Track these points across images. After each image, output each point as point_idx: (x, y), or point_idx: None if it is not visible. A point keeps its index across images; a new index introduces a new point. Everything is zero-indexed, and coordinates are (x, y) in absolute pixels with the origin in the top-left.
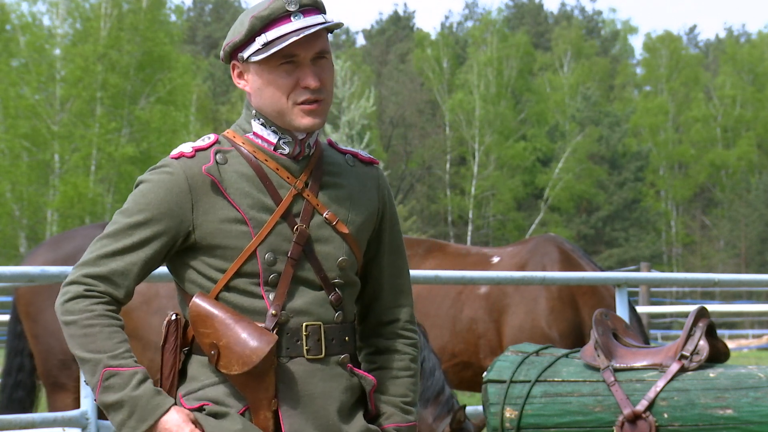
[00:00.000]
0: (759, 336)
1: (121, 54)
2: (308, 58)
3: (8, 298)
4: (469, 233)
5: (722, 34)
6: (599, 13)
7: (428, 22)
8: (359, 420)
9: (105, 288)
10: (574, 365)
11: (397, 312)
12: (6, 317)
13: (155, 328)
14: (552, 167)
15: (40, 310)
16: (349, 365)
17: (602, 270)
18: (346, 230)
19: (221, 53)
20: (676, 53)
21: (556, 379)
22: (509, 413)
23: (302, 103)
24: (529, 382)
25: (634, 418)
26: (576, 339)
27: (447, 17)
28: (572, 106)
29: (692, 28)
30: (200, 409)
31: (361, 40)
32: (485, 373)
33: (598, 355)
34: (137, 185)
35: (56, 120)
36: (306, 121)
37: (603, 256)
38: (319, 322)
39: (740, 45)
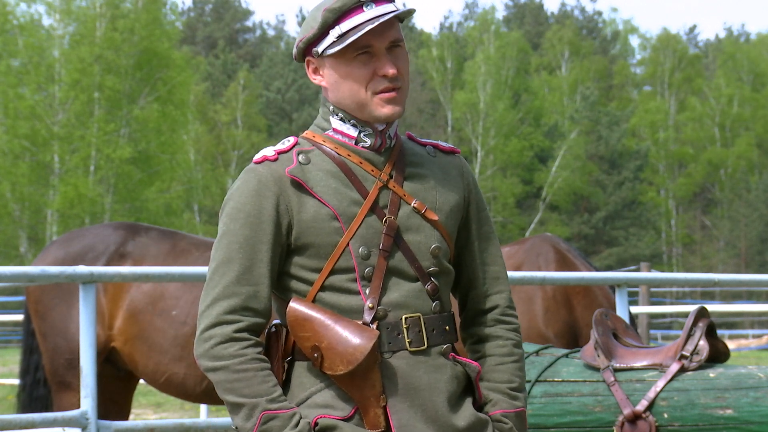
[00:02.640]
0: (759, 336)
1: (117, 55)
2: (383, 48)
3: (8, 298)
4: None
5: (722, 34)
6: (599, 13)
7: (428, 22)
8: (468, 409)
9: (249, 321)
10: (574, 365)
11: (494, 299)
12: (6, 317)
13: (160, 329)
14: (549, 165)
15: (48, 309)
16: (452, 354)
17: (597, 270)
18: (435, 217)
19: (294, 51)
20: (675, 53)
21: (556, 379)
22: None
23: (381, 92)
24: (529, 382)
25: (634, 418)
26: (571, 339)
27: (446, 17)
28: (570, 105)
29: (692, 28)
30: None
31: None
32: None
33: (598, 355)
34: (226, 203)
35: (56, 121)
36: (386, 110)
37: (603, 256)
38: (418, 314)
39: (740, 45)
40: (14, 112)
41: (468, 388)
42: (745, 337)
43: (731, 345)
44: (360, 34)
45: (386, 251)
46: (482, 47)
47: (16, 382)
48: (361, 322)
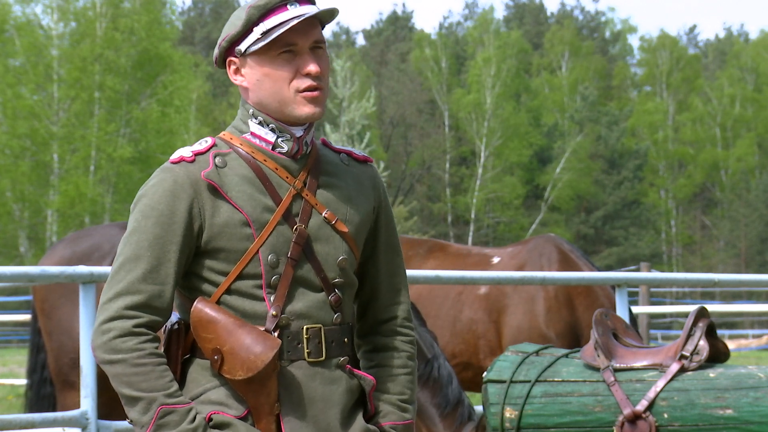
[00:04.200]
0: (759, 336)
1: (117, 54)
2: (307, 47)
3: (8, 298)
4: (471, 233)
5: (722, 34)
6: (601, 13)
7: (427, 22)
8: (359, 422)
9: (149, 318)
10: (574, 365)
11: (394, 309)
12: (6, 317)
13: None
14: (553, 166)
15: (54, 307)
16: (348, 366)
17: (600, 270)
18: (345, 229)
19: (215, 52)
20: (673, 53)
21: (556, 379)
22: (509, 413)
23: (304, 90)
24: (529, 382)
25: (634, 418)
26: (572, 339)
27: (446, 17)
28: (570, 105)
29: (692, 28)
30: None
31: (360, 41)
32: (485, 373)
33: (598, 355)
34: (139, 199)
35: (55, 121)
36: (308, 110)
37: (603, 255)
38: (320, 325)
39: (740, 45)
40: (13, 112)
41: (361, 400)
42: (745, 337)
43: (731, 345)
44: (285, 29)
45: (294, 260)
46: (482, 47)
47: (17, 382)
48: (263, 329)
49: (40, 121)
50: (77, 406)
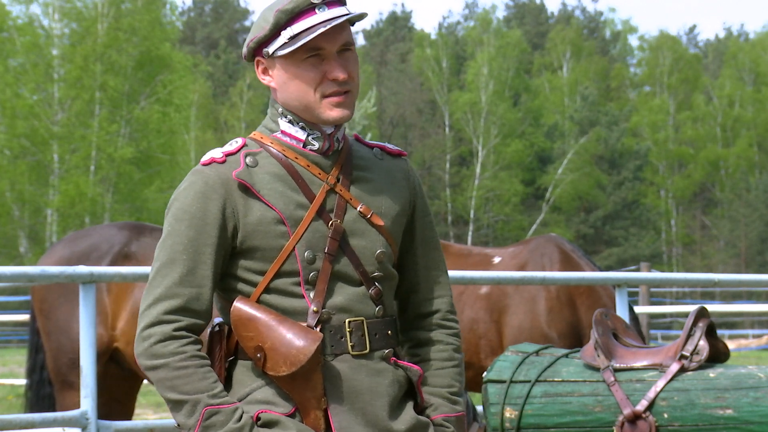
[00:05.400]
0: (759, 336)
1: (119, 54)
2: (334, 51)
3: (8, 298)
4: (470, 233)
5: (722, 34)
6: (600, 14)
7: (427, 22)
8: (408, 413)
9: (189, 321)
10: (574, 365)
11: (435, 303)
12: (6, 317)
13: None
14: (555, 167)
15: (53, 308)
16: (393, 358)
17: (601, 270)
18: (381, 222)
19: (244, 50)
20: (673, 53)
21: (556, 379)
22: (509, 413)
23: (330, 95)
24: (529, 382)
25: (634, 418)
26: (574, 339)
27: (445, 17)
28: (571, 105)
29: (692, 28)
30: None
31: (360, 41)
32: (485, 373)
33: (598, 355)
34: (172, 204)
35: (55, 120)
36: (334, 114)
37: (603, 256)
38: (362, 318)
39: (739, 45)
40: (12, 112)
41: (409, 392)
42: (745, 337)
43: (731, 345)
44: (312, 36)
45: (331, 255)
46: (482, 47)
47: (16, 382)
48: (305, 324)
49: (40, 120)
50: (76, 406)
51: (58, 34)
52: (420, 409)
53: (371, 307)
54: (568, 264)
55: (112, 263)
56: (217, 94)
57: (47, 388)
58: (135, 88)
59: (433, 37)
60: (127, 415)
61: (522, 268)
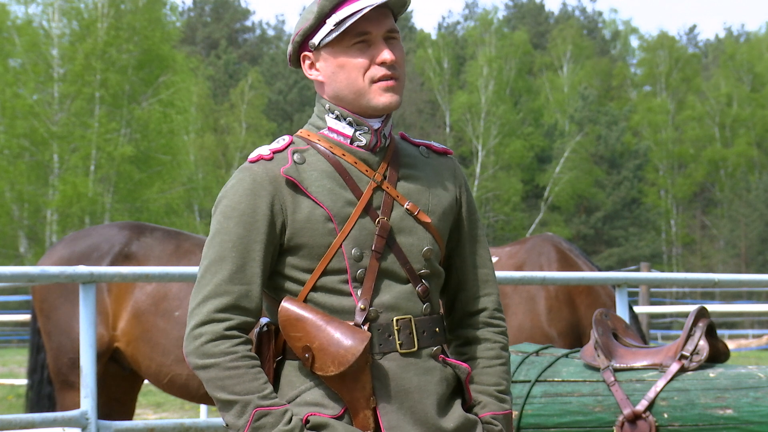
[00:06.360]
0: (759, 336)
1: (120, 53)
2: (380, 35)
3: (8, 298)
4: None
5: (722, 34)
6: (600, 14)
7: (427, 22)
8: (457, 411)
9: (239, 319)
10: (574, 365)
11: (482, 301)
12: (6, 317)
13: (163, 330)
14: (553, 166)
15: (53, 308)
16: (441, 356)
17: (599, 269)
18: (428, 220)
19: (289, 50)
20: (672, 53)
21: (556, 379)
22: None
23: (380, 80)
24: (529, 382)
25: (634, 418)
26: (574, 338)
27: (445, 17)
28: (571, 105)
29: (692, 28)
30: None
31: None
32: None
33: (598, 355)
34: (220, 201)
35: (55, 120)
36: (385, 99)
37: (603, 256)
38: (409, 316)
39: (739, 45)
40: (12, 112)
41: (457, 390)
42: (745, 337)
43: (731, 345)
44: (358, 16)
45: (378, 253)
46: (483, 47)
47: (17, 382)
48: (352, 323)
49: (40, 120)
50: (76, 406)
51: (57, 34)
52: (468, 406)
53: (418, 305)
54: (566, 263)
55: (113, 263)
56: (217, 94)
57: (48, 388)
58: (136, 88)
59: (433, 37)
60: (128, 415)
61: (519, 267)
